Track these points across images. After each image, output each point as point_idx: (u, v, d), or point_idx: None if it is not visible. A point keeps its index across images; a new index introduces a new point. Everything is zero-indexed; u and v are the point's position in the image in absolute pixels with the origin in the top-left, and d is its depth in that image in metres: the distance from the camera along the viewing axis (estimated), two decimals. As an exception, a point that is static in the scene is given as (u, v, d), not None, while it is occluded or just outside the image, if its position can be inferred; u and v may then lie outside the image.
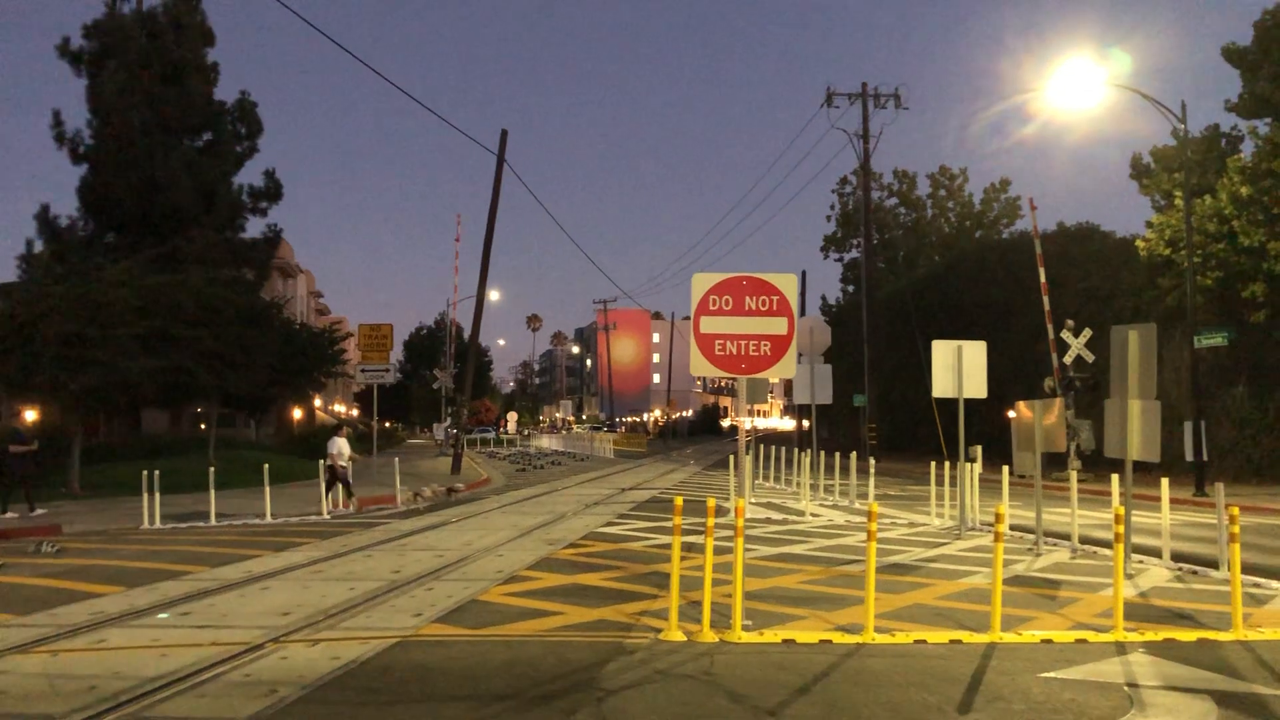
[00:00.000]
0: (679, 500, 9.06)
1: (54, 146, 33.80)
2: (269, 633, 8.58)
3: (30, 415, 21.21)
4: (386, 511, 21.39)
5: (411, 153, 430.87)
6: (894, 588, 10.95)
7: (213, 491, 19.74)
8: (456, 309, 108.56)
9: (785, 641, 8.31)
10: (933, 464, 20.31)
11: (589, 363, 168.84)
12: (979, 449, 18.09)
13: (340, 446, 22.05)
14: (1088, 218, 59.60)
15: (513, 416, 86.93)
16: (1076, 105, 26.97)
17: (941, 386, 16.29)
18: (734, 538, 8.68)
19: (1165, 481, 13.20)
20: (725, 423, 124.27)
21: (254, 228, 38.98)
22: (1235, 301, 29.01)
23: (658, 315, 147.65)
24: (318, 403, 64.59)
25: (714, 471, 38.14)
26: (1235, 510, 9.58)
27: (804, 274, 64.46)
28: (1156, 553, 13.11)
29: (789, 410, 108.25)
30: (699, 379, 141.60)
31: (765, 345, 9.86)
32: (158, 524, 18.59)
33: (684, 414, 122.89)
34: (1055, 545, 14.69)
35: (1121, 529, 8.95)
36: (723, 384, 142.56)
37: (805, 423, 46.85)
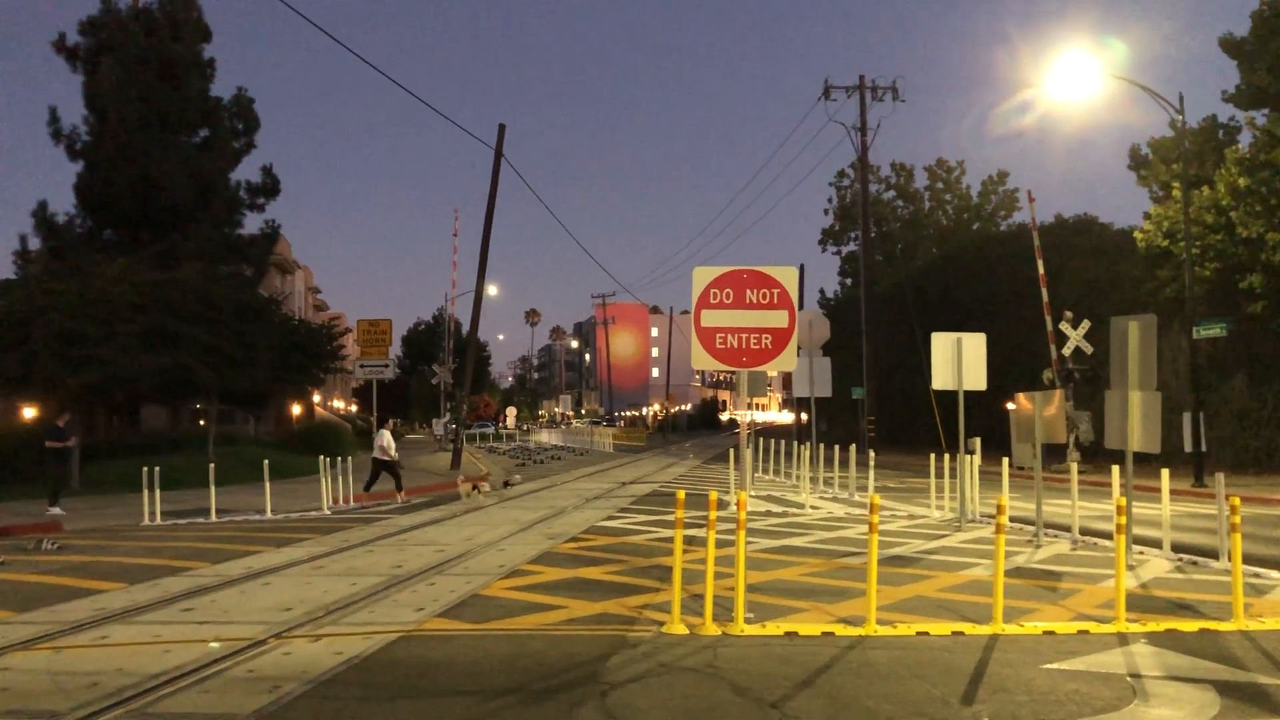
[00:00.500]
0: (681, 494, 9.06)
1: (51, 143, 33.81)
2: (271, 628, 8.59)
3: (65, 413, 21.28)
4: (387, 507, 21.40)
5: (409, 148, 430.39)
6: (895, 580, 10.96)
7: (213, 487, 19.73)
8: (455, 304, 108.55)
9: (788, 634, 8.32)
10: (932, 456, 20.32)
11: (588, 357, 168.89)
12: (978, 441, 18.10)
13: (387, 439, 22.97)
14: (1086, 209, 59.97)
15: (512, 411, 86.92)
16: (1074, 97, 27.01)
17: (941, 379, 16.30)
18: (734, 531, 8.69)
19: (1166, 473, 13.22)
20: (724, 416, 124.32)
21: (252, 224, 38.89)
22: (1233, 293, 29.01)
23: (656, 309, 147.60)
24: (317, 399, 64.55)
25: (714, 465, 38.17)
26: (1236, 501, 9.59)
27: (802, 267, 64.33)
28: (1157, 544, 13.13)
29: (787, 404, 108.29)
30: (697, 373, 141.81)
31: (766, 338, 9.87)
32: (158, 520, 18.59)
33: (683, 408, 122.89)
34: (1055, 537, 14.72)
35: (1123, 520, 8.95)
36: (721, 378, 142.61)
37: (804, 416, 46.91)
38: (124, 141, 32.63)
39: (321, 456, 22.01)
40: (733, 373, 10.56)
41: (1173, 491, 13.94)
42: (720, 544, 8.97)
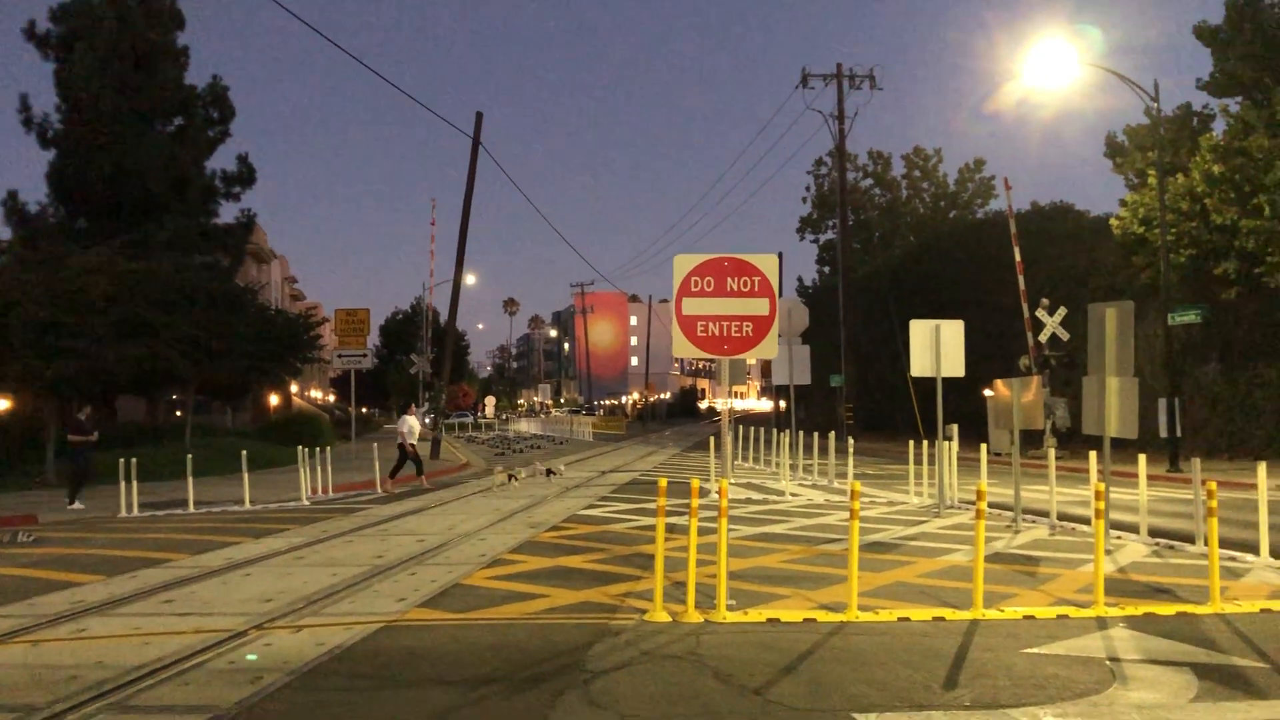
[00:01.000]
0: (663, 482, 9.07)
1: (22, 131, 33.38)
2: (252, 619, 8.55)
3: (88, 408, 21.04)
4: (366, 497, 21.32)
5: (387, 137, 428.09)
6: (876, 566, 11.01)
7: (190, 479, 19.60)
8: (433, 293, 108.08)
9: (770, 621, 8.35)
10: (910, 443, 20.42)
11: (567, 346, 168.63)
12: (955, 427, 18.19)
13: (411, 425, 23.22)
14: (1063, 197, 60.24)
15: (490, 401, 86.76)
16: (1051, 84, 27.07)
17: (919, 366, 16.36)
18: (715, 518, 8.70)
19: (1142, 458, 13.34)
20: (703, 405, 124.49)
21: (227, 213, 38.65)
22: (1208, 279, 29.26)
23: (635, 298, 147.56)
24: (294, 389, 64.24)
25: (693, 453, 38.23)
26: (1213, 485, 9.67)
27: (781, 256, 64.35)
28: (1134, 528, 13.25)
29: (766, 391, 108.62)
30: (676, 361, 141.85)
31: (747, 326, 9.88)
32: (135, 512, 18.45)
33: (662, 396, 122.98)
34: (1034, 522, 14.82)
35: (1101, 505, 9.01)
36: (700, 366, 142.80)
37: (783, 403, 47.04)
38: (97, 130, 32.30)
39: (300, 447, 21.91)
40: (711, 361, 10.58)
41: (1149, 476, 14.06)
42: (701, 531, 8.98)
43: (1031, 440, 28.86)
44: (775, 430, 26.42)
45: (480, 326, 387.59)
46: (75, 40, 33.17)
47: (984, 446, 17.01)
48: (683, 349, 10.03)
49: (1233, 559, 11.30)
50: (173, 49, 35.80)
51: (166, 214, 33.55)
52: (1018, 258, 33.35)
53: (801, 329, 26.99)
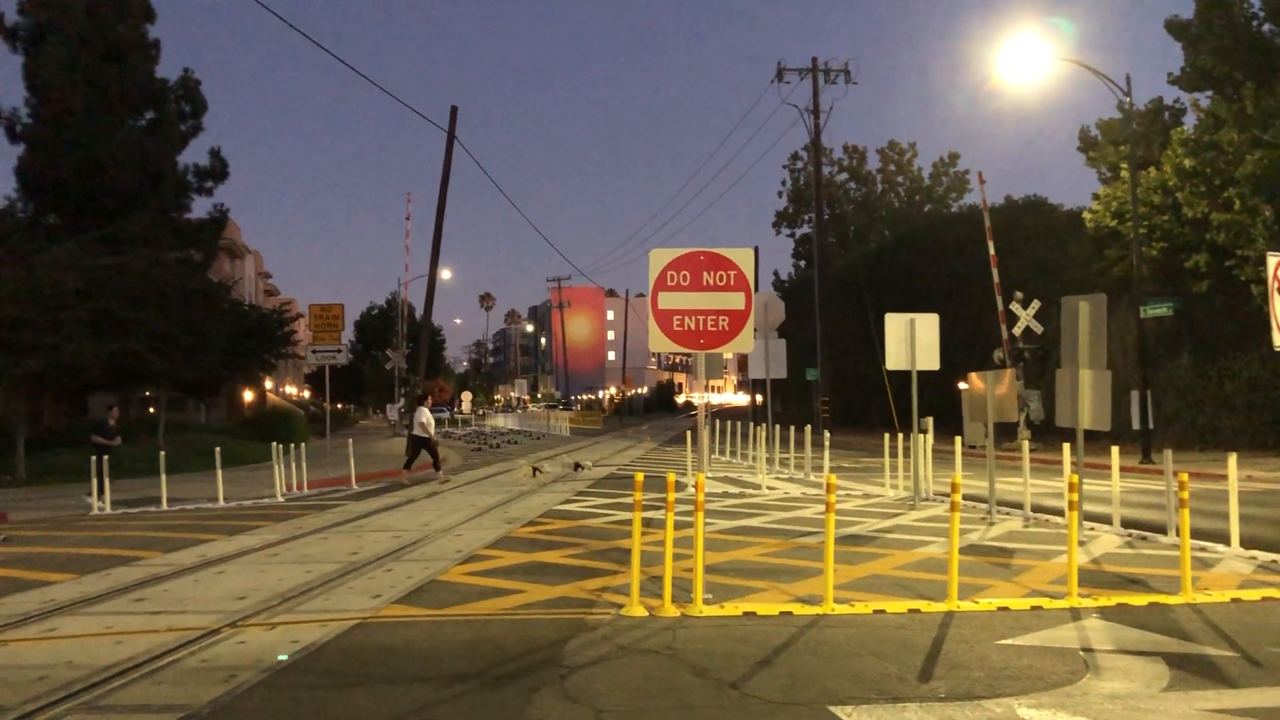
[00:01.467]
0: (639, 476, 9.06)
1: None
2: (225, 617, 8.48)
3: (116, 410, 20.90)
4: (341, 494, 21.21)
5: (361, 131, 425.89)
6: (852, 559, 11.04)
7: (164, 476, 19.42)
8: (408, 288, 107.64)
9: (746, 614, 8.36)
10: (886, 436, 20.51)
11: (543, 341, 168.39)
12: (930, 420, 18.30)
13: (426, 416, 22.91)
14: (1036, 191, 60.62)
15: (467, 396, 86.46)
16: (1025, 79, 27.28)
17: (894, 359, 16.42)
18: (692, 513, 8.70)
19: (1115, 450, 13.44)
20: (680, 399, 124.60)
21: (200, 208, 38.29)
22: (1179, 272, 29.53)
23: (612, 293, 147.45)
24: (269, 385, 63.87)
25: (670, 447, 38.25)
26: (1185, 476, 9.77)
27: (757, 250, 64.41)
28: (1107, 520, 13.35)
29: (743, 385, 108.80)
30: (653, 356, 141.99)
31: (723, 320, 9.89)
32: (108, 510, 18.27)
33: (639, 391, 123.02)
34: (1008, 514, 14.91)
35: (1075, 497, 9.08)
36: (677, 360, 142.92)
37: (759, 397, 47.14)
38: (67, 124, 31.91)
39: (274, 443, 21.77)
40: (688, 355, 10.58)
41: (1122, 468, 14.18)
42: (678, 525, 8.99)
43: (1006, 432, 29.05)
44: (752, 424, 26.48)
45: (458, 321, 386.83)
46: (45, 33, 32.76)
47: (959, 439, 17.10)
48: (658, 343, 10.03)
49: (1204, 549, 11.41)
50: (144, 42, 35.40)
51: (138, 209, 33.16)
52: (992, 251, 33.55)
53: (778, 323, 27.01)
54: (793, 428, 25.24)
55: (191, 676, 6.72)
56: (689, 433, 26.81)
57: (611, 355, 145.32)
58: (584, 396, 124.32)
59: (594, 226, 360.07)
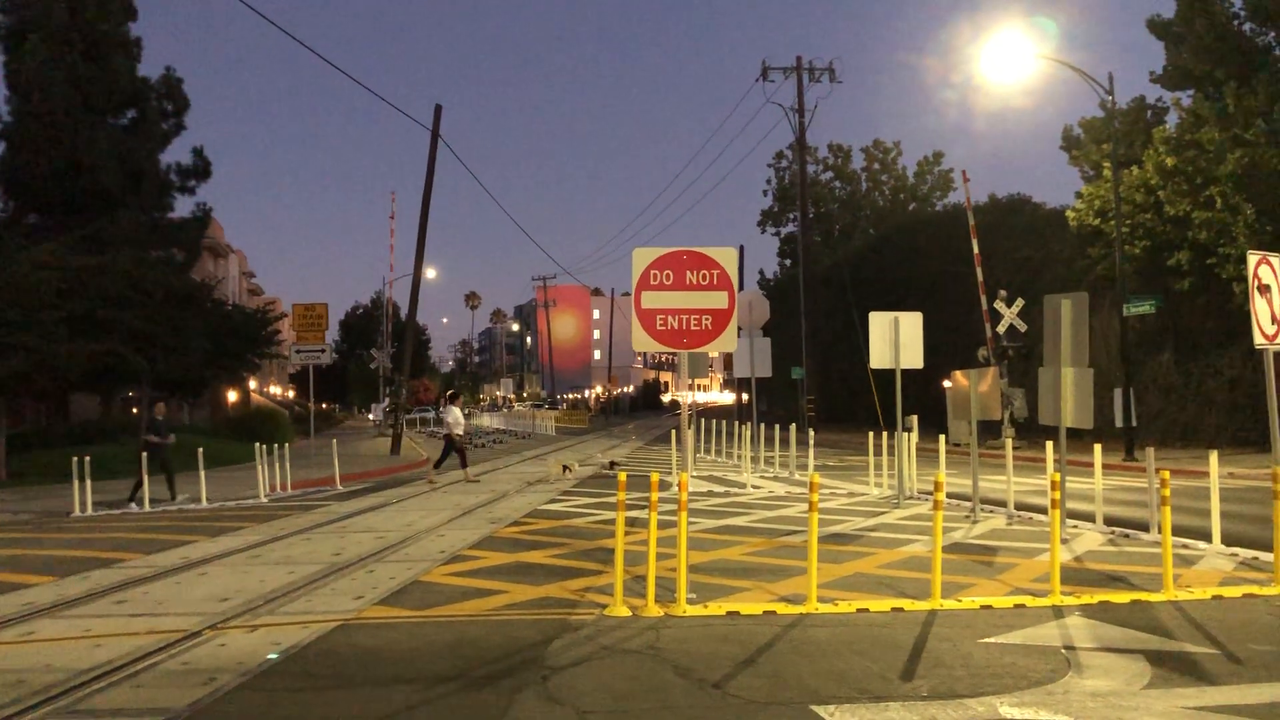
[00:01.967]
0: (622, 476, 9.05)
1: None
2: (207, 619, 8.42)
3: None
4: (325, 494, 21.12)
5: (345, 130, 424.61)
6: (835, 557, 11.06)
7: (146, 477, 19.30)
8: (393, 288, 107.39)
9: (729, 614, 8.35)
10: (870, 434, 20.53)
11: (529, 340, 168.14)
12: (915, 419, 18.34)
13: (456, 416, 22.71)
14: (1020, 189, 60.79)
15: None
16: (1008, 78, 27.37)
17: (878, 357, 16.45)
18: (676, 512, 8.69)
19: (1098, 448, 13.50)
20: (666, 398, 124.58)
21: (183, 207, 37.99)
22: (1161, 270, 29.65)
23: (597, 292, 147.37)
24: (253, 385, 63.59)
25: (656, 446, 38.25)
26: (1166, 474, 9.80)
27: (742, 248, 64.59)
28: (1090, 517, 13.40)
29: (728, 384, 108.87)
30: (639, 355, 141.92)
31: (706, 319, 9.87)
32: (89, 511, 18.12)
33: (625, 390, 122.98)
34: (992, 512, 14.95)
35: (1057, 495, 9.11)
36: (663, 359, 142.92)
37: (745, 396, 47.17)
38: (48, 123, 31.68)
39: (258, 443, 21.65)
40: (674, 354, 10.58)
41: (1105, 466, 14.24)
42: (663, 525, 8.98)
43: (990, 430, 29.15)
44: (737, 423, 26.49)
45: (445, 321, 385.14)
46: (26, 32, 32.51)
47: (943, 437, 17.15)
48: (642, 342, 10.02)
49: (1186, 546, 11.46)
50: (125, 40, 35.17)
51: (120, 208, 32.99)
52: (976, 250, 33.65)
53: (763, 321, 27.00)
54: (778, 426, 25.26)
55: (171, 679, 6.68)
56: (674, 431, 26.79)
57: (597, 354, 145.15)
58: (570, 396, 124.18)
59: (580, 226, 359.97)
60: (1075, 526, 13.22)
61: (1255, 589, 9.13)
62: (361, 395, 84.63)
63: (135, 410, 37.63)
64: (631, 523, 12.91)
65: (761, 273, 77.38)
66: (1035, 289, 31.37)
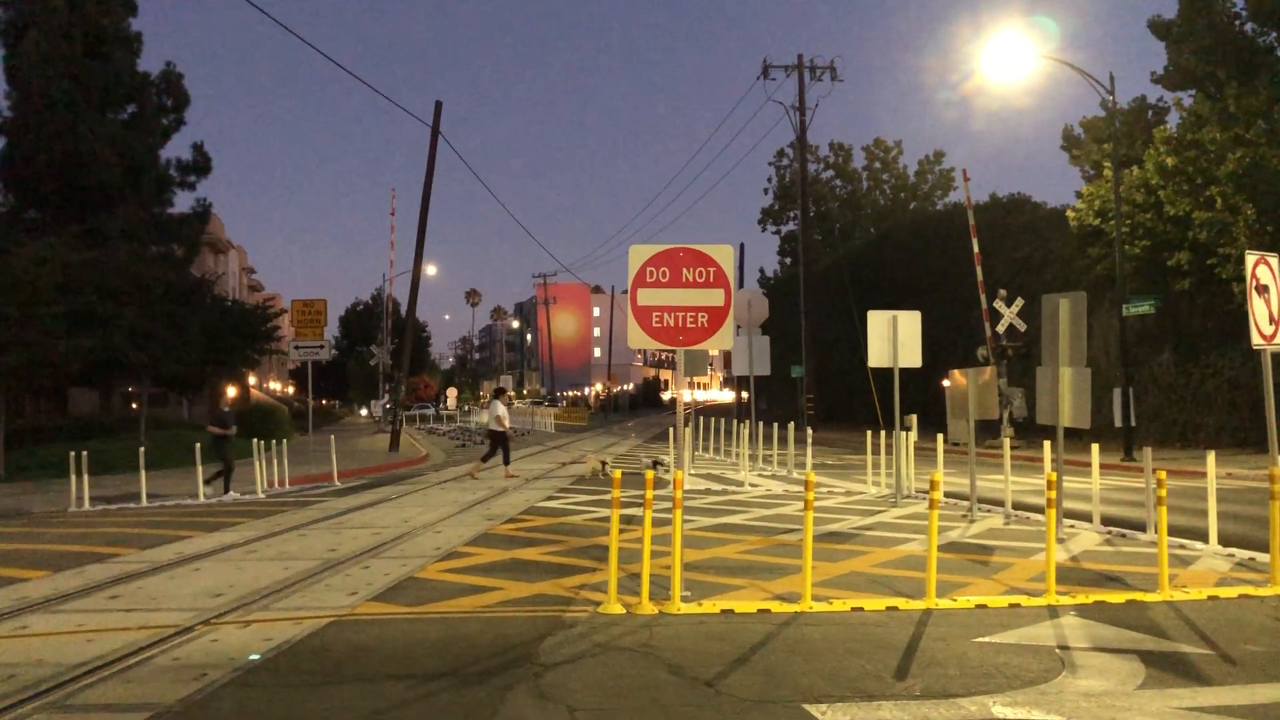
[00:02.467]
0: (617, 474, 9.03)
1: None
2: (200, 615, 8.40)
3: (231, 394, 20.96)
4: (323, 490, 21.11)
5: (346, 127, 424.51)
6: (831, 556, 11.04)
7: (144, 472, 19.29)
8: (393, 284, 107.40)
9: (724, 612, 8.33)
10: (869, 433, 20.51)
11: (529, 337, 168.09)
12: (914, 418, 18.32)
13: (501, 410, 22.52)
14: (1020, 189, 60.78)
15: (453, 392, 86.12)
16: (1009, 77, 27.34)
17: (877, 356, 16.43)
18: (673, 509, 8.66)
19: (1096, 447, 13.48)
20: (666, 396, 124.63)
21: (182, 202, 38.10)
22: (1161, 270, 29.62)
23: (598, 289, 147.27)
24: (252, 381, 63.55)
25: (654, 444, 38.23)
26: (1162, 474, 9.77)
27: (742, 246, 64.90)
28: (1087, 517, 13.38)
29: (728, 382, 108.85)
30: (639, 352, 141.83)
31: (703, 316, 9.86)
32: (86, 506, 18.10)
33: (625, 388, 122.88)
34: (989, 511, 14.92)
35: (1054, 494, 9.08)
36: (663, 357, 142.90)
37: (744, 394, 47.18)
38: (48, 118, 31.72)
39: (256, 439, 21.64)
40: (674, 351, 10.54)
41: (1103, 465, 14.21)
42: (659, 523, 8.95)
43: (989, 430, 29.12)
44: (736, 421, 26.47)
45: (446, 318, 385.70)
46: (26, 27, 32.52)
47: (941, 436, 17.12)
48: (638, 340, 10.00)
49: (1182, 546, 11.44)
50: (125, 35, 35.23)
51: (120, 204, 33.03)
52: (976, 249, 33.61)
53: (762, 320, 27.00)
54: (776, 425, 25.24)
55: (162, 675, 6.66)
56: (672, 429, 26.79)
57: (597, 352, 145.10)
58: (570, 393, 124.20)
59: (580, 223, 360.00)
60: (1072, 526, 13.20)
61: (1251, 590, 9.12)
62: (361, 392, 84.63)
63: (134, 405, 37.63)
64: (627, 520, 12.92)
65: (762, 271, 77.47)
66: (1035, 288, 31.32)
